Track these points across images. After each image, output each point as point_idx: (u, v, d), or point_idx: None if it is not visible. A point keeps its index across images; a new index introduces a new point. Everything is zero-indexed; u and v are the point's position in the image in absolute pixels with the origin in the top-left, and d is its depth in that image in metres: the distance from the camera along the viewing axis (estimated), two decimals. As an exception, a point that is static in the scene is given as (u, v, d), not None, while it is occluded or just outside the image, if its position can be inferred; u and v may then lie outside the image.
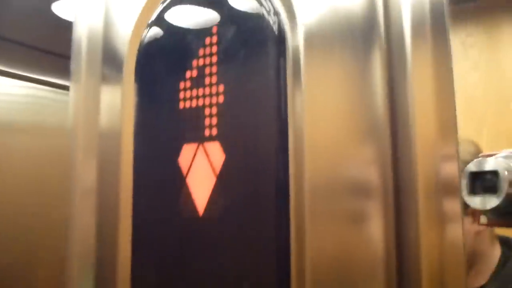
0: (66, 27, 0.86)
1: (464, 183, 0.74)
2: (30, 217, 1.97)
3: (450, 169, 0.52)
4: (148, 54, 0.68)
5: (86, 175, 0.73)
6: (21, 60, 1.95)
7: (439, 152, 0.52)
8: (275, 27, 0.57)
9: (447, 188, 0.51)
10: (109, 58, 0.74)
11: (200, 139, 0.60)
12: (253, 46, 0.59)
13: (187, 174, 0.61)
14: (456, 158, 0.52)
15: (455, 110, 0.53)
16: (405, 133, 0.52)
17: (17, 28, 1.78)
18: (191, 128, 0.61)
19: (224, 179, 0.58)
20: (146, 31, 0.67)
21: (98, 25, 0.76)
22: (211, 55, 0.61)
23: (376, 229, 0.52)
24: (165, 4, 0.66)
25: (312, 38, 0.57)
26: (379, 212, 0.52)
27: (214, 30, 0.61)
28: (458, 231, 0.51)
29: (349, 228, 0.53)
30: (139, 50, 0.68)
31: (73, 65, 0.77)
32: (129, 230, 0.65)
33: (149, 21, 0.67)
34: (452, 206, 0.51)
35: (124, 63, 0.71)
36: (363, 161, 0.53)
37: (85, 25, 0.77)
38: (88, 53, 0.76)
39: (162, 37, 0.67)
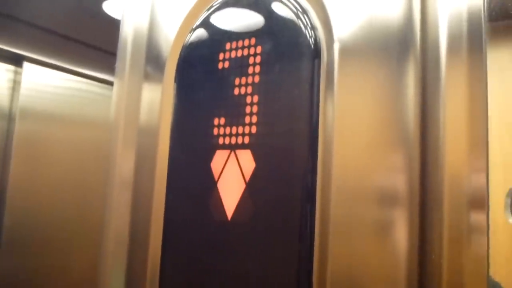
0: (114, 25, 0.89)
1: (509, 201, 0.72)
2: (69, 210, 2.02)
3: (478, 183, 0.51)
4: (189, 57, 0.70)
5: (124, 169, 0.76)
6: (70, 55, 2.01)
7: (468, 166, 0.52)
8: (311, 41, 0.59)
9: (475, 202, 0.51)
10: (152, 57, 0.77)
11: (233, 146, 0.62)
12: (289, 59, 0.60)
13: (218, 178, 0.63)
14: (485, 172, 0.52)
15: (487, 126, 0.53)
16: (435, 146, 0.53)
17: (68, 24, 1.84)
18: (225, 135, 0.64)
19: (253, 186, 0.60)
20: (189, 35, 0.70)
21: (143, 26, 0.79)
22: (247, 65, 0.63)
23: (399, 239, 0.53)
24: (209, 11, 0.68)
25: (346, 52, 0.58)
26: (403, 223, 0.53)
27: (253, 41, 0.63)
28: (483, 245, 0.51)
29: (372, 237, 0.54)
30: (181, 53, 0.70)
31: (118, 63, 0.81)
32: (160, 228, 0.67)
33: (193, 26, 0.70)
34: (478, 220, 0.51)
35: (166, 63, 0.73)
36: (390, 172, 0.54)
37: (131, 25, 0.81)
38: (132, 52, 0.79)
39: (203, 42, 0.69)
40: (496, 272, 1.36)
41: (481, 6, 0.53)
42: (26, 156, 1.90)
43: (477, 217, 0.51)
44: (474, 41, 0.53)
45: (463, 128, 0.52)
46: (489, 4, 0.54)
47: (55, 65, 1.99)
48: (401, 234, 0.52)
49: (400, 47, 0.55)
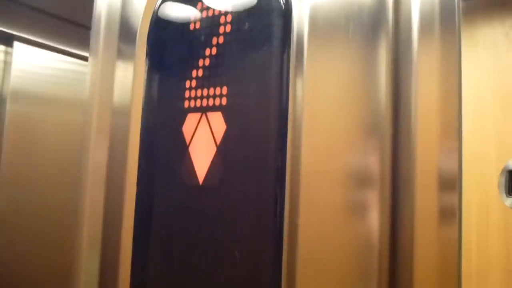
0: None
1: (503, 181, 0.71)
2: (62, 193, 2.01)
3: (450, 165, 0.50)
4: (160, 22, 0.69)
5: (98, 151, 0.75)
6: (62, 35, 1.99)
7: (440, 148, 0.51)
8: (282, 0, 0.57)
9: (446, 185, 0.50)
10: (125, 32, 0.76)
11: (204, 108, 0.61)
12: (260, 17, 0.59)
13: (189, 142, 0.62)
14: (457, 155, 0.50)
15: (460, 107, 0.51)
16: (407, 128, 0.52)
17: (63, 4, 1.82)
18: (196, 97, 0.62)
19: (224, 149, 0.59)
20: (159, 1, 0.68)
21: (116, 0, 0.77)
22: (219, 25, 0.62)
23: (370, 221, 0.52)
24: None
25: (317, 14, 0.56)
26: (375, 205, 0.52)
27: (224, 1, 0.62)
28: (454, 227, 0.50)
29: (342, 217, 0.53)
30: (151, 20, 0.69)
31: (92, 40, 0.79)
32: (133, 197, 0.67)
33: (163, -9, 0.68)
34: (450, 202, 0.50)
35: (137, 34, 0.72)
36: (361, 153, 0.53)
37: (105, 1, 0.79)
38: (106, 28, 0.77)
39: (173, 5, 0.68)
40: (490, 247, 1.35)
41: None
42: (18, 138, 1.89)
43: (449, 198, 0.50)
44: (447, 19, 0.52)
45: (435, 109, 0.51)
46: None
47: (47, 45, 1.96)
48: (373, 216, 0.52)
49: (372, 21, 0.54)
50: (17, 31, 1.85)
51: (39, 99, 1.96)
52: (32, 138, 1.93)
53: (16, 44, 1.87)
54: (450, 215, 0.50)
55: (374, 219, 0.52)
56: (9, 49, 1.88)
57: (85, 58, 2.08)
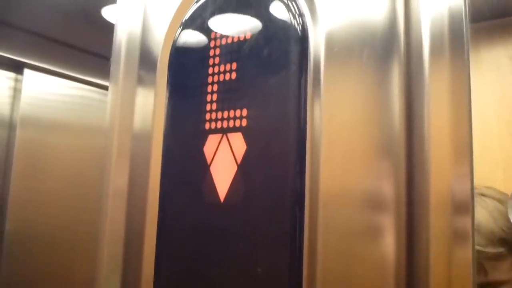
0: (112, 30, 0.89)
1: (511, 204, 0.72)
2: (71, 218, 2.01)
3: (462, 187, 0.51)
4: (180, 49, 0.72)
5: (119, 176, 0.77)
6: (71, 61, 2.02)
7: (452, 170, 0.52)
8: (299, 28, 0.61)
9: (459, 206, 0.51)
10: (145, 60, 0.79)
11: (225, 130, 0.64)
12: (277, 44, 0.62)
13: (211, 162, 0.65)
14: (469, 177, 0.51)
15: (470, 128, 0.52)
16: (420, 149, 0.54)
17: (66, 30, 1.86)
18: (216, 119, 0.65)
19: (244, 168, 0.62)
20: (179, 29, 0.72)
21: (136, 29, 0.81)
22: (237, 51, 0.65)
23: (387, 243, 0.53)
24: (198, 3, 0.70)
25: (333, 40, 0.60)
26: (391, 227, 0.53)
27: (242, 28, 0.65)
28: (468, 249, 0.51)
29: (359, 237, 0.55)
30: (172, 47, 0.72)
31: (112, 67, 0.82)
32: (155, 217, 0.69)
33: (183, 20, 0.72)
34: (463, 224, 0.51)
35: (158, 62, 0.75)
36: (377, 175, 0.54)
37: (125, 29, 0.82)
38: (126, 56, 0.81)
39: (193, 33, 0.71)
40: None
41: (462, 8, 0.54)
42: (27, 164, 1.91)
43: (462, 222, 0.51)
44: (456, 42, 0.54)
45: (447, 131, 0.53)
46: (471, 6, 0.55)
47: (56, 71, 1.99)
48: (389, 238, 0.53)
49: (385, 45, 0.56)
50: (27, 59, 1.88)
51: (48, 125, 1.98)
52: (41, 164, 1.94)
53: (26, 71, 1.91)
54: (464, 238, 0.51)
55: (391, 241, 0.53)
56: (19, 77, 1.91)
57: (93, 84, 2.11)
